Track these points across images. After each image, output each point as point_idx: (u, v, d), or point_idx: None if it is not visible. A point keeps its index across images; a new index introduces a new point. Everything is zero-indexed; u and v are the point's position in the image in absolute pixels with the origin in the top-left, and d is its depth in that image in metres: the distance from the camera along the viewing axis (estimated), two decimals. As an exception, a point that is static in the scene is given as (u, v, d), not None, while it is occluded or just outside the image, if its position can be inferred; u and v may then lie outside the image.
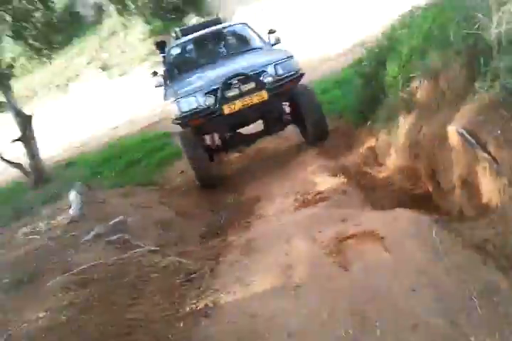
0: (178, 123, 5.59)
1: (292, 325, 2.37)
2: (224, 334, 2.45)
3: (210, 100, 5.35)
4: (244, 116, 5.65)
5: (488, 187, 2.99)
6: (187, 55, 7.04)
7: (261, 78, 5.42)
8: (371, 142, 5.15)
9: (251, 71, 5.45)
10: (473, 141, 3.07)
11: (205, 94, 5.40)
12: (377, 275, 2.48)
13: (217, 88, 5.33)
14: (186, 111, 5.40)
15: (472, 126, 3.07)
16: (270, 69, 5.51)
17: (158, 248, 3.71)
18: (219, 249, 3.57)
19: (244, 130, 6.10)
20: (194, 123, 5.55)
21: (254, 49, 6.54)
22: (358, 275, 2.53)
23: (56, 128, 12.43)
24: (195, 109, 5.40)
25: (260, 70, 5.48)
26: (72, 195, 4.91)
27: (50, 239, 3.95)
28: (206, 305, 2.73)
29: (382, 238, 2.75)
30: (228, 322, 2.53)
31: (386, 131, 4.83)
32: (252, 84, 5.38)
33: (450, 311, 2.18)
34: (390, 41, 5.48)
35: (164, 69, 6.86)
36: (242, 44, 6.85)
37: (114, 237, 3.75)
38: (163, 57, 6.89)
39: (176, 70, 6.70)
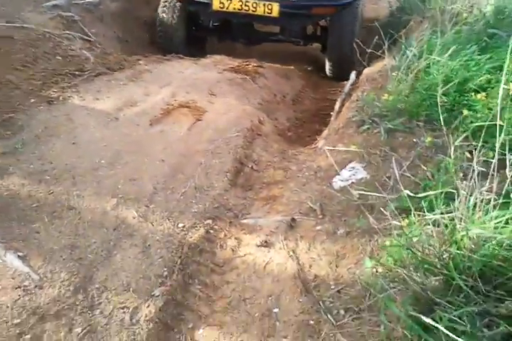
0: None
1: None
2: (38, 122, 3.16)
3: None
4: (240, 20, 4.44)
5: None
6: None
7: None
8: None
9: None
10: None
11: None
12: (160, 137, 3.09)
13: None
14: None
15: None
16: None
17: (94, 39, 4.26)
18: (130, 64, 4.12)
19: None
20: None
21: None
22: (150, 132, 3.14)
23: None
24: None
25: None
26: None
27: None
28: (58, 97, 3.41)
29: (199, 120, 3.26)
30: (46, 117, 3.20)
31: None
32: None
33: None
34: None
35: None
36: None
37: (68, 14, 4.30)
38: None
39: None
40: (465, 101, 2.79)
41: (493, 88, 2.84)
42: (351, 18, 4.35)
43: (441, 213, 1.85)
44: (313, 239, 2.40)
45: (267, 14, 3.99)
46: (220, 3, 4.01)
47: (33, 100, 3.34)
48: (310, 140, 3.72)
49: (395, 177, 2.57)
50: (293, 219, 2.51)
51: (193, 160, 2.91)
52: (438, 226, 1.83)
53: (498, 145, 1.71)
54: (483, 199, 1.74)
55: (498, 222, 1.72)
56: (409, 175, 2.51)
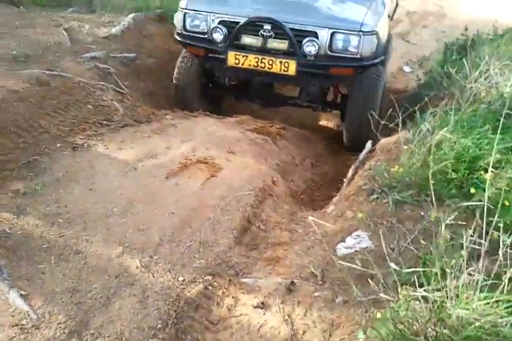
0: (177, 41, 4.41)
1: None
2: (60, 166, 3.29)
3: (219, 34, 3.96)
4: (255, 78, 4.24)
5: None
6: None
7: (303, 42, 3.82)
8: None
9: (303, 24, 3.85)
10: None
11: (220, 22, 4.00)
12: (174, 190, 3.19)
13: (238, 23, 3.91)
14: (189, 31, 4.19)
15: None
16: (322, 35, 3.85)
17: (126, 91, 4.48)
18: (158, 117, 4.29)
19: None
20: (193, 51, 4.33)
21: None
22: (166, 184, 3.25)
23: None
24: (200, 33, 4.12)
25: (312, 29, 3.85)
26: (129, 18, 5.68)
27: (72, 41, 4.84)
28: (83, 144, 3.57)
29: (214, 176, 3.35)
30: (69, 162, 3.35)
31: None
32: (284, 44, 3.88)
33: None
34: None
35: None
36: None
37: (104, 66, 4.56)
38: None
39: None
40: (474, 179, 2.84)
41: (503, 168, 2.89)
42: (371, 87, 4.14)
43: (433, 290, 1.88)
44: (311, 305, 2.41)
45: (283, 72, 3.88)
46: (236, 59, 3.93)
47: (59, 145, 3.50)
48: (323, 204, 3.76)
49: (398, 249, 2.62)
50: (292, 283, 2.53)
51: (202, 215, 2.98)
52: (427, 303, 1.85)
53: (484, 224, 1.75)
54: (471, 279, 1.76)
55: (486, 304, 1.73)
56: (412, 248, 2.53)
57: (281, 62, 3.83)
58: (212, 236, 2.84)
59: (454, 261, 1.87)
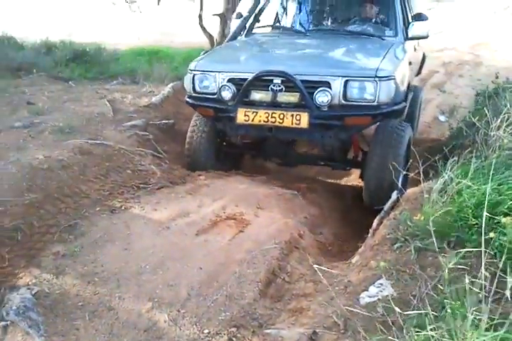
0: (188, 104, 4.37)
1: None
2: (98, 228, 3.52)
3: (228, 92, 3.93)
4: (264, 134, 4.02)
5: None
6: (292, 6, 5.22)
7: (315, 93, 3.70)
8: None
9: (314, 75, 3.77)
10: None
11: (229, 80, 3.96)
12: (203, 246, 3.33)
13: (246, 80, 3.84)
14: (198, 92, 4.19)
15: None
16: (335, 85, 3.70)
17: (164, 156, 4.77)
18: (192, 178, 4.52)
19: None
20: (204, 112, 4.31)
21: (372, 36, 4.57)
22: (195, 241, 3.39)
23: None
24: (209, 94, 4.10)
25: (324, 79, 3.73)
26: (168, 87, 6.11)
27: (114, 111, 5.25)
28: (121, 206, 3.81)
29: (242, 232, 3.49)
30: (107, 224, 3.58)
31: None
32: (295, 97, 3.78)
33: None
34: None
35: (247, 13, 5.11)
36: (371, 20, 4.82)
37: (144, 133, 4.89)
38: None
39: (257, 23, 5.08)
40: (495, 225, 2.85)
41: (523, 212, 2.90)
42: (391, 143, 3.85)
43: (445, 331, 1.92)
44: (332, 355, 2.43)
45: (295, 125, 3.71)
46: (245, 115, 3.81)
47: (98, 208, 3.75)
48: (351, 255, 3.79)
49: (419, 295, 2.64)
50: (314, 333, 2.58)
51: (228, 269, 3.09)
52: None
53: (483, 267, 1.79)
54: (477, 319, 1.80)
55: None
56: (433, 293, 2.56)
57: (292, 116, 3.70)
58: (238, 289, 2.94)
59: (458, 303, 1.91)
